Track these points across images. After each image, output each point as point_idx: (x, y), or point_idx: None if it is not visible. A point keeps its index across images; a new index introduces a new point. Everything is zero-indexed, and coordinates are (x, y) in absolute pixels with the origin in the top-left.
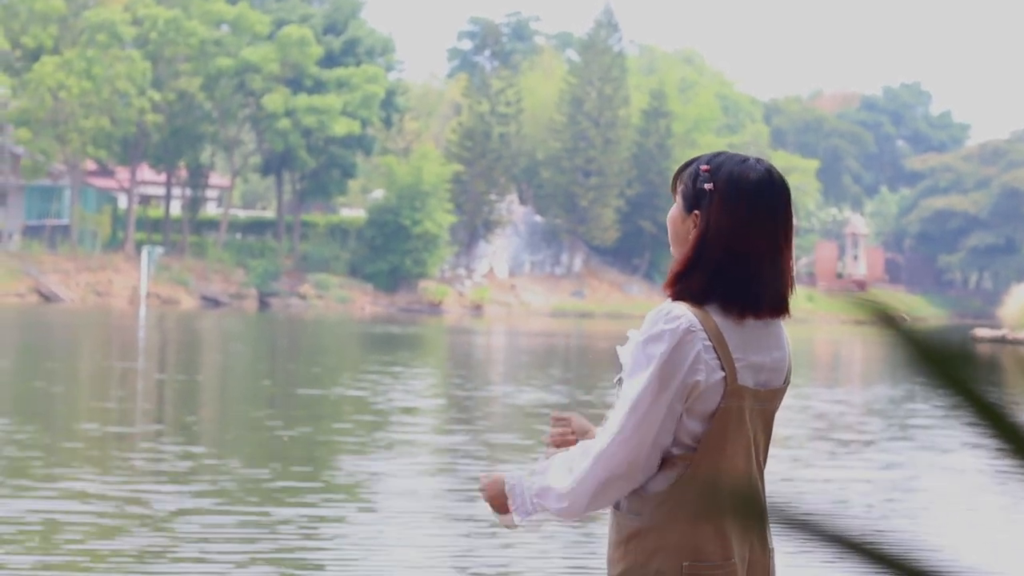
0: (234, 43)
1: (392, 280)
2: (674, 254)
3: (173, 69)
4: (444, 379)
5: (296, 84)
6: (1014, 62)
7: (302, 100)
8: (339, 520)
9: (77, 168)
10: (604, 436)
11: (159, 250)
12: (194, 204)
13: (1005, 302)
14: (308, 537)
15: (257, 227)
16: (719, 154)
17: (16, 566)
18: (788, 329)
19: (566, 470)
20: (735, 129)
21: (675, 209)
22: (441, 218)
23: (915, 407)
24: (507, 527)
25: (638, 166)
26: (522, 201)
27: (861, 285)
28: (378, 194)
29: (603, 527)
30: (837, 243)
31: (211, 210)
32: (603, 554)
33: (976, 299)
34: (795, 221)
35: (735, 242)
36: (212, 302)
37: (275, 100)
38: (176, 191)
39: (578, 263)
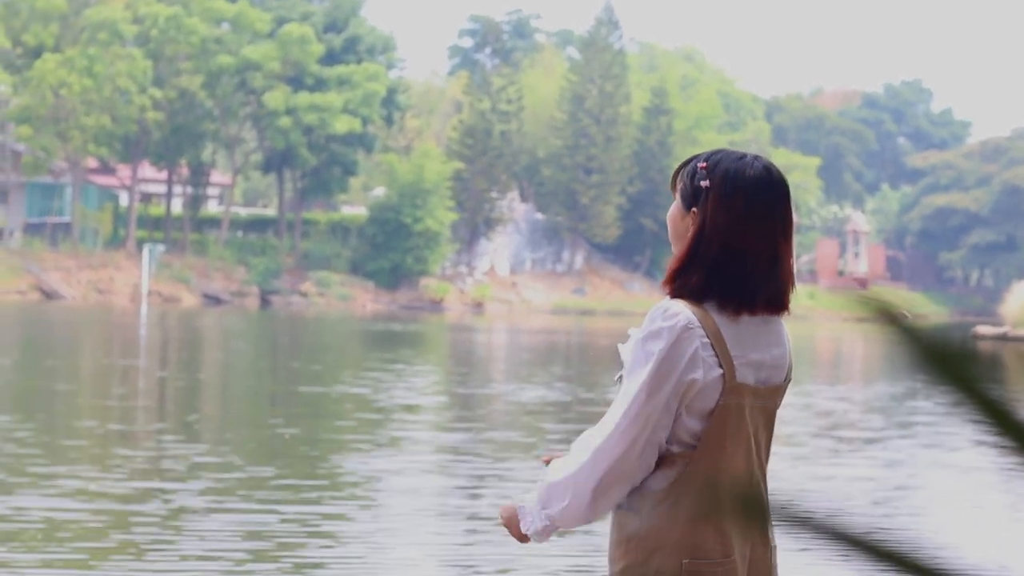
0: (235, 41)
1: (393, 278)
2: (674, 251)
3: (174, 67)
4: (445, 377)
5: (297, 82)
6: (1015, 60)
7: (303, 98)
8: (340, 518)
9: (78, 165)
10: (601, 431)
11: (160, 248)
12: (195, 202)
13: (1006, 299)
14: (309, 535)
15: (258, 225)
16: (717, 151)
17: (18, 564)
18: (789, 326)
19: (564, 466)
20: (736, 127)
21: (674, 207)
22: (442, 216)
23: (917, 404)
24: (522, 543)
25: (639, 164)
26: (523, 198)
27: (862, 283)
28: (379, 192)
29: (604, 525)
30: (838, 241)
31: (212, 208)
32: (604, 552)
33: (977, 296)
34: (796, 219)
35: (732, 239)
36: (213, 300)
37: (276, 98)
38: (177, 189)
39: (579, 260)
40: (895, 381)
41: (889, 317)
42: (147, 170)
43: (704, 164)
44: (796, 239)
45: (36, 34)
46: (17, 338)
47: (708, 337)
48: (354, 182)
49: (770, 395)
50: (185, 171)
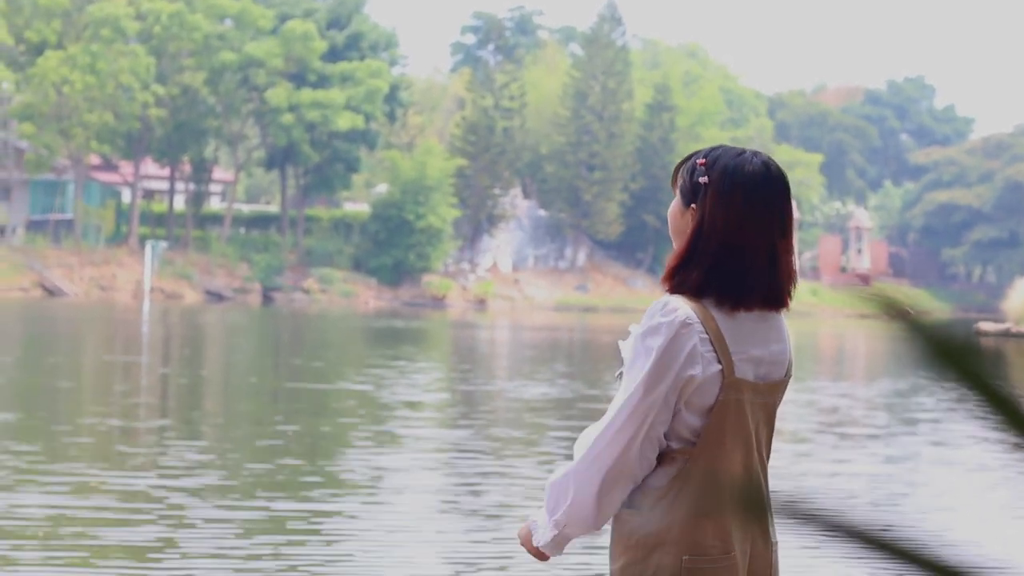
0: (238, 38)
1: (396, 274)
2: (675, 248)
3: (177, 64)
4: (448, 373)
5: (300, 79)
6: (1018, 56)
7: (306, 95)
8: (343, 514)
9: (81, 162)
10: (600, 427)
11: (163, 244)
12: (198, 198)
13: (1009, 296)
14: (312, 531)
15: (261, 221)
16: (717, 147)
17: (20, 560)
18: (791, 323)
19: (565, 465)
20: (739, 123)
21: (675, 203)
22: (445, 212)
23: (920, 400)
24: (541, 560)
25: (642, 160)
26: (526, 195)
27: (865, 279)
28: (382, 188)
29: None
30: (841, 237)
31: (215, 204)
32: (605, 550)
33: (980, 293)
34: (797, 215)
35: (731, 235)
36: (216, 296)
37: (279, 95)
38: (180, 185)
39: (582, 257)
40: (899, 377)
41: (894, 313)
42: (150, 167)
43: (703, 160)
44: (799, 236)
45: (39, 31)
46: (20, 335)
47: (707, 333)
48: (357, 179)
49: (770, 391)
50: (188, 168)
